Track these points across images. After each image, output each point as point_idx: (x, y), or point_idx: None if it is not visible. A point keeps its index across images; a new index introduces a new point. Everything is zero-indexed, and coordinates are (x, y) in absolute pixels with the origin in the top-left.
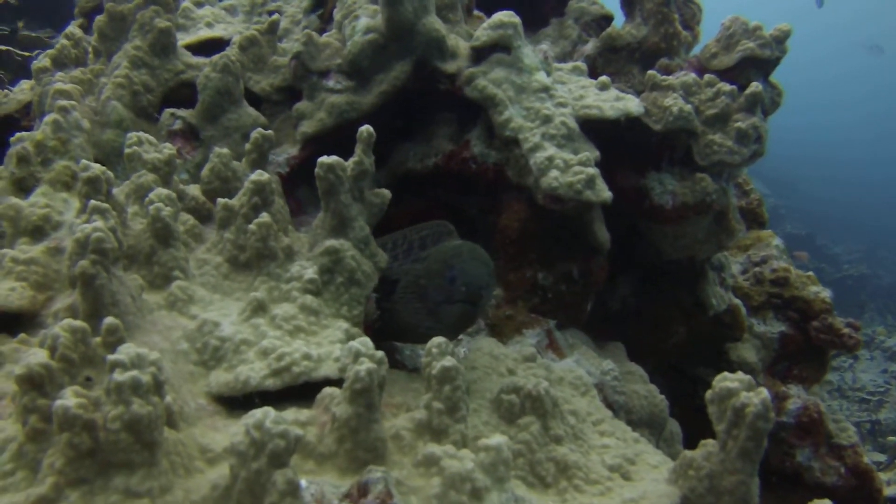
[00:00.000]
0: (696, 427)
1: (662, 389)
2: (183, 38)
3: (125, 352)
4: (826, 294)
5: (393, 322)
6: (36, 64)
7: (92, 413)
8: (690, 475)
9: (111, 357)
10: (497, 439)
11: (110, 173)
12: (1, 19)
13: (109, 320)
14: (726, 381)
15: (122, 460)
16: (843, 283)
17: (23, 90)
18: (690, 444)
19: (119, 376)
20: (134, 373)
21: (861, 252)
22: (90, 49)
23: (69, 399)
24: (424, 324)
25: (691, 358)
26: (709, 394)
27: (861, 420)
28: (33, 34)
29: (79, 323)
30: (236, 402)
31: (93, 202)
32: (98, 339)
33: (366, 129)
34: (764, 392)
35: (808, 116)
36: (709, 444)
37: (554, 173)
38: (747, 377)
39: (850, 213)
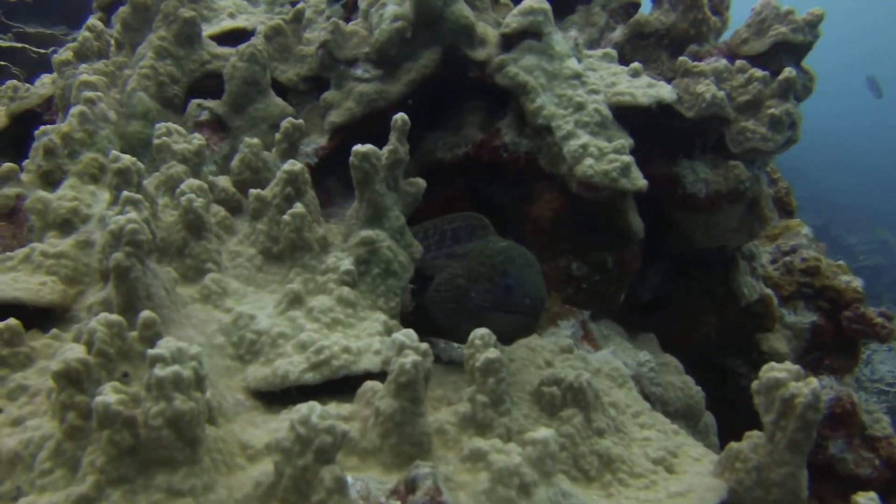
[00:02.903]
0: (726, 419)
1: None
2: (205, 30)
3: (165, 346)
4: (858, 283)
5: (426, 320)
6: (57, 57)
7: (132, 409)
8: (738, 467)
9: (151, 352)
10: (544, 432)
11: (140, 164)
12: (15, 17)
13: (146, 314)
14: (774, 370)
15: (164, 458)
16: (858, 275)
17: (44, 84)
18: (721, 436)
19: (160, 371)
20: (175, 367)
21: (876, 243)
22: (112, 41)
23: (109, 395)
24: (463, 327)
25: (722, 349)
26: (755, 384)
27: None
28: (48, 31)
29: (115, 317)
30: (274, 397)
31: (125, 193)
32: (134, 334)
33: (400, 116)
34: (814, 382)
35: (822, 104)
36: (755, 436)
37: (589, 161)
38: (795, 367)
39: (865, 202)
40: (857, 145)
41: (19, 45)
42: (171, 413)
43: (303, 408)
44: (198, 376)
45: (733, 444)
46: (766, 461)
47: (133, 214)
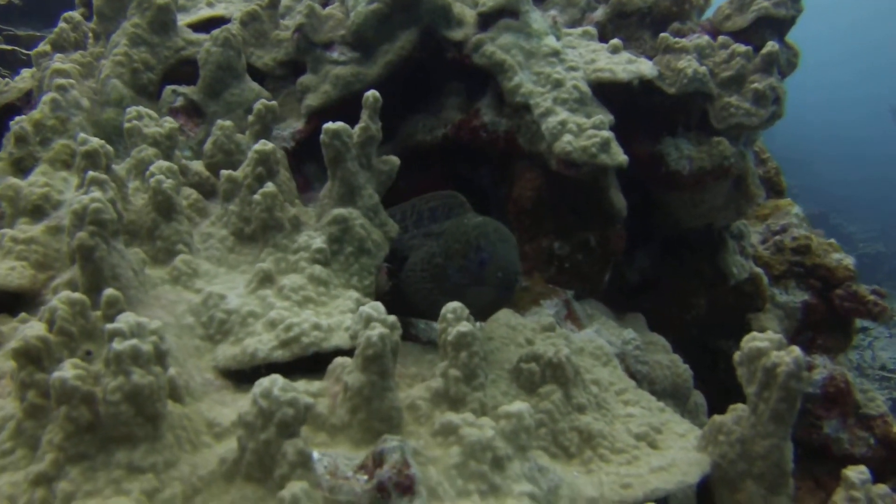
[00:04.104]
0: (719, 401)
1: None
2: (183, 19)
3: (124, 321)
4: (849, 261)
5: (403, 300)
6: (36, 50)
7: (91, 385)
8: (721, 441)
9: (110, 326)
10: (518, 406)
11: (109, 147)
12: (5, 20)
13: (109, 292)
14: (755, 340)
15: (124, 434)
16: (858, 262)
17: (24, 79)
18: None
19: (118, 345)
20: (134, 342)
21: (876, 231)
22: (90, 33)
23: (67, 371)
24: (440, 305)
25: (712, 330)
26: (737, 355)
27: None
28: (38, 33)
29: (77, 295)
30: (244, 376)
31: (91, 173)
32: (98, 313)
33: (372, 93)
34: (796, 350)
35: (818, 93)
36: (738, 409)
37: (567, 137)
38: (777, 336)
39: (864, 191)
40: (861, 136)
41: (9, 47)
42: (130, 388)
43: (265, 381)
44: (158, 351)
45: (717, 417)
46: (749, 433)
47: (97, 194)
